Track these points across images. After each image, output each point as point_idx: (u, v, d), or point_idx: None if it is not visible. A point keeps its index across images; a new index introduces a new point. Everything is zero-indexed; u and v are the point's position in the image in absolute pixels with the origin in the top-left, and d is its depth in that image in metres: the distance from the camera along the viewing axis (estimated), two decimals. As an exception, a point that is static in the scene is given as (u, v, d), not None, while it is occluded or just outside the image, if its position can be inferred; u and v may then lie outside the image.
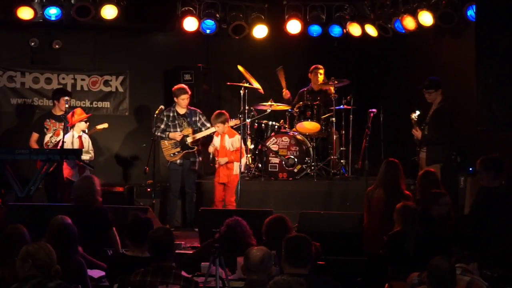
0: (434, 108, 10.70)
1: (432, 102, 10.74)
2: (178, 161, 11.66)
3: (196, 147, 11.66)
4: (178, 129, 11.65)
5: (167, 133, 11.63)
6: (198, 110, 11.82)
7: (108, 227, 8.35)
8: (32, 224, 7.36)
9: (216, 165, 11.49)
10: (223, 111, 11.46)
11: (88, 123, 11.59)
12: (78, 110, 11.62)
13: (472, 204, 8.72)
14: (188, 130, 11.62)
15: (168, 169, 11.81)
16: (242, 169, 11.42)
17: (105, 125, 12.01)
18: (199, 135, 11.63)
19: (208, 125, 11.66)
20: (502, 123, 9.50)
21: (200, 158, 11.85)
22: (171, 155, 11.66)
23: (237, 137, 11.39)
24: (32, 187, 10.39)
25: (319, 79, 12.94)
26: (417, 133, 10.62)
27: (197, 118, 11.72)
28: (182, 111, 11.69)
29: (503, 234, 7.97)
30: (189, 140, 11.59)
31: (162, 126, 11.66)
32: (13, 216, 9.00)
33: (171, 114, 11.68)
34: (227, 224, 7.60)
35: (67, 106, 11.23)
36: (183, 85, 11.82)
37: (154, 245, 6.29)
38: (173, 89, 11.75)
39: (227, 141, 11.36)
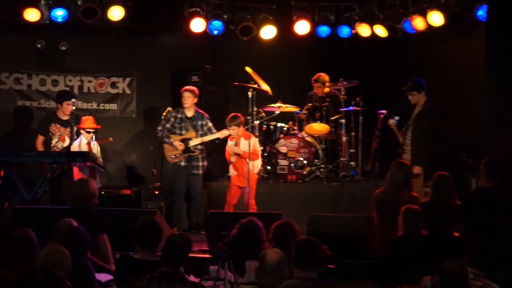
0: (418, 110, 10.70)
1: (416, 103, 10.75)
2: (183, 163, 11.61)
3: (197, 151, 11.59)
4: (183, 132, 11.61)
5: (171, 139, 11.55)
6: (206, 115, 11.71)
7: (96, 232, 8.25)
8: (38, 227, 7.32)
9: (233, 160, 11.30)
10: (238, 114, 11.29)
11: (91, 134, 11.51)
12: (90, 119, 11.58)
13: (465, 206, 8.73)
14: (192, 134, 11.56)
15: (173, 171, 11.77)
16: (256, 171, 11.40)
17: (109, 140, 11.93)
18: (203, 139, 11.55)
19: (215, 131, 11.60)
20: (511, 124, 9.51)
21: (205, 163, 11.77)
22: (172, 156, 11.62)
23: (254, 139, 11.32)
24: (39, 190, 10.40)
25: (317, 92, 12.91)
26: (400, 137, 10.78)
27: (204, 122, 11.63)
28: (190, 113, 11.64)
29: (496, 235, 7.97)
30: (191, 143, 11.54)
31: (168, 126, 11.61)
32: (20, 219, 8.98)
33: (179, 116, 11.65)
34: (242, 225, 7.55)
35: (73, 108, 11.20)
36: (187, 86, 11.82)
37: (170, 249, 6.23)
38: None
39: (242, 143, 11.17)
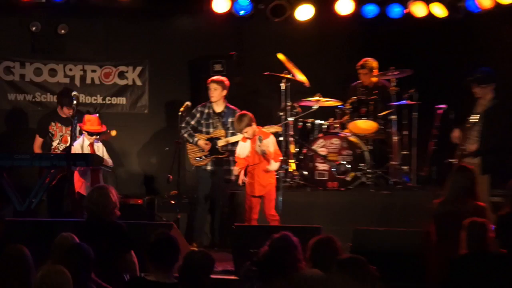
0: (487, 106, 10.60)
1: (481, 97, 10.63)
2: (209, 168, 11.61)
3: (227, 153, 11.58)
4: (211, 129, 11.61)
5: (196, 138, 11.55)
6: (238, 110, 11.68)
7: (122, 249, 8.27)
8: (34, 243, 7.34)
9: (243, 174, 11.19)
10: (244, 111, 11.06)
11: (94, 136, 11.52)
12: (93, 119, 11.60)
13: None
14: (221, 132, 11.57)
15: (196, 176, 11.76)
16: None
17: (112, 134, 11.99)
18: (229, 139, 11.53)
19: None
20: None
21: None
22: (197, 159, 11.63)
23: (272, 138, 11.20)
24: (33, 199, 10.42)
25: (364, 80, 12.86)
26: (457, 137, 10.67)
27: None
28: (218, 108, 11.65)
29: None
30: (219, 143, 11.53)
31: (193, 123, 11.64)
32: (11, 234, 9.01)
33: (206, 111, 11.66)
34: (274, 240, 7.51)
35: (74, 103, 11.22)
36: (215, 76, 11.81)
37: (188, 269, 6.22)
38: None
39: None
